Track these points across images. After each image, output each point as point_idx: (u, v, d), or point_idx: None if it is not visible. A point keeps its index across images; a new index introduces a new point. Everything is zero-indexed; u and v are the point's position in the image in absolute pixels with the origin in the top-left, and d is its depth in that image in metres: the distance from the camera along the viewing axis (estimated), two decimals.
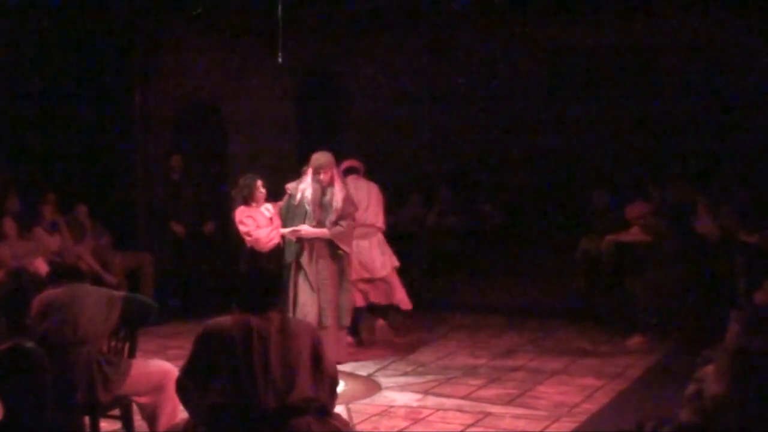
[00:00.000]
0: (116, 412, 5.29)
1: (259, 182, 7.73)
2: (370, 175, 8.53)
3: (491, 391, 6.90)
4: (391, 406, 6.51)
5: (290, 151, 11.71)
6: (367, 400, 6.66)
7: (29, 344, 3.65)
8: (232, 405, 3.96)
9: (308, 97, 12.69)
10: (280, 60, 8.62)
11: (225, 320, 4.17)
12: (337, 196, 7.31)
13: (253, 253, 7.59)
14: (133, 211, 11.01)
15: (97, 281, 8.26)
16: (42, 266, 8.41)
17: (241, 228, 7.60)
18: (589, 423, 6.10)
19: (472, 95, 12.49)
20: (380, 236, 8.35)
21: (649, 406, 6.19)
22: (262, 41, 10.42)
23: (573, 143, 11.96)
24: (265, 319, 4.12)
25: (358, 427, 5.95)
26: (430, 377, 7.34)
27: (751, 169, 10.13)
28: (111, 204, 10.50)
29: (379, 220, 8.29)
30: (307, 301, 7.27)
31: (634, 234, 9.12)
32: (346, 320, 7.52)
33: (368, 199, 8.16)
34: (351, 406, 6.43)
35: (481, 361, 7.86)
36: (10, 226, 8.84)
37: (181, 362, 4.27)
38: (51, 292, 5.19)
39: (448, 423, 6.12)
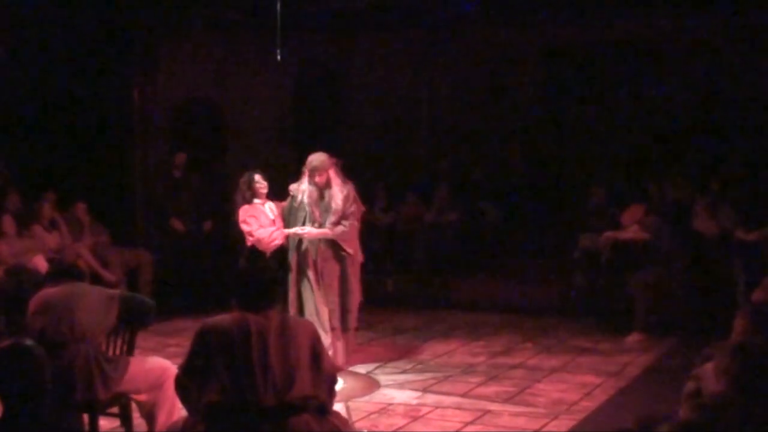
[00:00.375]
0: (115, 409, 5.31)
1: (257, 176, 7.58)
2: (370, 174, 8.49)
3: (490, 389, 6.90)
4: (390, 404, 6.52)
5: (289, 149, 11.70)
6: (366, 398, 6.67)
7: (28, 342, 3.65)
8: (230, 403, 3.96)
9: (307, 95, 12.68)
10: (279, 58, 8.59)
11: (224, 318, 4.17)
12: (336, 197, 7.18)
13: (254, 252, 7.50)
14: (132, 208, 11.00)
15: (96, 279, 8.28)
16: (41, 264, 8.41)
17: (244, 227, 7.47)
18: (587, 421, 6.10)
19: (471, 93, 12.49)
20: None
21: (648, 404, 6.19)
22: (261, 39, 10.41)
23: (572, 141, 11.96)
24: (264, 317, 4.12)
25: (357, 425, 5.95)
26: (428, 375, 7.34)
27: (750, 168, 10.13)
28: (110, 202, 10.49)
29: None
30: (310, 304, 7.16)
31: (632, 232, 9.13)
32: (352, 322, 7.38)
33: None
34: (350, 403, 6.44)
35: (480, 359, 7.87)
36: (9, 223, 8.84)
37: (180, 360, 4.27)
38: (49, 291, 5.19)
39: (447, 421, 6.12)
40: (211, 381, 4.01)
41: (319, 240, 7.20)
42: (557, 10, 11.18)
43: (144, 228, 10.98)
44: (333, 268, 7.22)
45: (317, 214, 7.18)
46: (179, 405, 4.58)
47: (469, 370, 7.51)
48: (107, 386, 5.02)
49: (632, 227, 9.16)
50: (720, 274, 8.67)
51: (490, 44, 12.25)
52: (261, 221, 7.48)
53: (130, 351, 5.39)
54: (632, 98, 11.65)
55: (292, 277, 7.28)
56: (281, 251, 7.44)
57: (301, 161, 7.57)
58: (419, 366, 7.67)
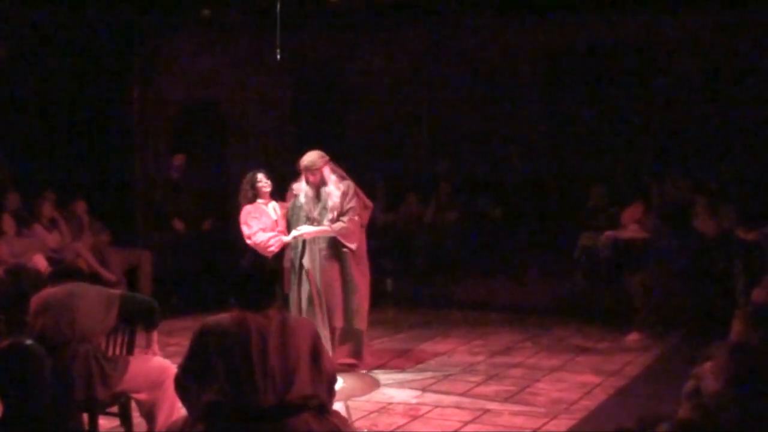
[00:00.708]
0: (115, 409, 5.31)
1: (261, 175, 7.51)
2: (369, 171, 8.48)
3: (489, 388, 6.90)
4: (390, 403, 6.52)
5: (289, 148, 11.70)
6: (366, 397, 6.66)
7: (28, 342, 3.66)
8: (230, 402, 3.96)
9: (307, 95, 12.68)
10: (278, 57, 8.59)
11: (223, 317, 4.17)
12: (332, 194, 7.08)
13: (255, 252, 7.45)
14: (131, 208, 11.01)
15: (96, 278, 8.27)
16: (41, 263, 8.42)
17: (244, 230, 7.46)
18: (587, 420, 6.10)
19: (471, 92, 12.48)
20: None
21: (648, 404, 6.19)
22: (260, 39, 10.41)
23: (572, 140, 11.95)
24: (264, 317, 4.12)
25: (357, 424, 5.95)
26: (428, 374, 7.34)
27: (749, 166, 10.13)
28: (110, 201, 10.50)
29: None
30: (311, 304, 7.09)
31: (632, 231, 9.14)
32: (359, 322, 7.22)
33: None
34: (349, 403, 6.44)
35: (480, 358, 7.87)
36: (9, 223, 8.84)
37: (180, 359, 4.27)
38: (49, 291, 5.20)
39: (447, 420, 6.12)
40: (210, 380, 4.01)
41: (320, 238, 7.14)
42: (557, 10, 11.18)
43: (143, 228, 10.99)
44: (333, 267, 7.11)
45: (315, 212, 7.14)
46: (179, 404, 4.58)
47: (468, 369, 7.50)
48: (107, 385, 5.03)
49: (632, 226, 9.17)
50: (720, 273, 8.67)
51: (490, 44, 12.25)
52: (263, 222, 7.43)
53: (129, 350, 5.39)
54: (632, 98, 11.65)
55: (293, 276, 7.24)
56: (283, 251, 7.40)
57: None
58: (419, 365, 7.67)
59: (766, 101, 10.67)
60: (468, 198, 11.47)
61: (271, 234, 7.37)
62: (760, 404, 3.28)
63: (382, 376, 7.28)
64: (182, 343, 6.62)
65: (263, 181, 7.52)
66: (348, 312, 7.18)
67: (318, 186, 7.13)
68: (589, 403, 6.48)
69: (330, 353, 7.02)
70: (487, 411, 6.29)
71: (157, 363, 5.27)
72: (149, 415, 5.18)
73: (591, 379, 7.13)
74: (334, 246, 7.12)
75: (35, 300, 5.16)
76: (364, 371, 7.35)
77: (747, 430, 3.29)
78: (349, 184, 7.19)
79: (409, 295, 10.68)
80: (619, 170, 11.18)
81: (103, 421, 5.38)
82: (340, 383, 5.89)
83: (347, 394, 6.59)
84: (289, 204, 7.36)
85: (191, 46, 11.23)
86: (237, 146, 11.71)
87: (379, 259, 10.66)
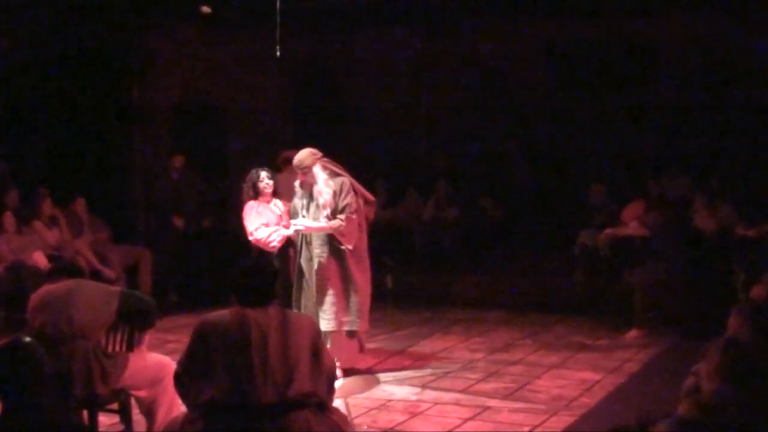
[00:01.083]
0: (114, 406, 5.31)
1: (263, 174, 7.47)
2: (370, 170, 8.46)
3: (489, 385, 6.91)
4: (390, 400, 6.52)
5: (288, 146, 11.69)
6: (366, 394, 6.66)
7: (27, 339, 3.66)
8: (230, 399, 3.96)
9: (306, 92, 12.68)
10: (278, 54, 8.58)
11: (223, 314, 4.16)
12: (323, 192, 6.90)
13: (260, 249, 7.40)
14: (131, 205, 11.01)
15: (95, 276, 8.27)
16: (41, 260, 8.42)
17: (247, 226, 7.43)
18: (587, 417, 6.10)
19: (470, 90, 12.49)
20: None
21: (647, 401, 6.20)
22: (260, 38, 10.41)
23: (572, 138, 11.96)
24: (263, 313, 4.12)
25: (357, 421, 5.95)
26: (428, 371, 7.35)
27: (749, 164, 10.14)
28: (109, 198, 10.49)
29: None
30: (307, 303, 7.02)
31: (632, 228, 9.13)
32: (357, 323, 7.03)
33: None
34: (349, 400, 6.43)
35: (479, 355, 7.87)
36: (9, 220, 8.84)
37: (179, 356, 4.26)
38: (48, 288, 5.20)
39: (446, 417, 6.13)
40: (210, 377, 4.01)
41: (314, 238, 7.00)
42: (558, 8, 11.19)
43: (143, 225, 10.99)
44: (329, 265, 6.95)
45: (308, 211, 7.02)
46: (178, 401, 4.58)
47: (468, 366, 7.51)
48: (106, 382, 5.03)
49: (632, 224, 9.16)
50: (719, 270, 8.67)
51: (491, 42, 12.25)
52: (266, 218, 7.39)
53: (129, 347, 5.39)
54: (632, 95, 11.65)
55: (293, 274, 7.22)
56: (285, 248, 7.38)
57: None
58: (418, 362, 7.67)
59: (766, 101, 10.67)
60: (467, 196, 11.47)
61: (273, 228, 7.33)
62: (754, 400, 3.28)
63: (381, 373, 7.28)
64: (182, 340, 6.63)
65: (265, 181, 7.48)
66: (347, 312, 6.99)
67: (310, 185, 6.98)
68: (589, 400, 6.49)
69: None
70: (486, 408, 6.30)
71: (156, 360, 5.27)
72: (149, 411, 5.18)
73: (591, 376, 7.14)
74: (332, 243, 6.96)
75: (34, 297, 5.16)
76: (363, 368, 7.35)
77: (746, 427, 3.28)
78: (342, 180, 6.99)
79: (409, 291, 10.68)
80: (619, 169, 11.19)
81: (103, 418, 5.38)
82: (340, 380, 5.89)
83: (347, 391, 6.58)
84: (293, 202, 7.32)
85: (189, 42, 11.22)
86: (236, 146, 11.70)
87: (379, 257, 10.70)
